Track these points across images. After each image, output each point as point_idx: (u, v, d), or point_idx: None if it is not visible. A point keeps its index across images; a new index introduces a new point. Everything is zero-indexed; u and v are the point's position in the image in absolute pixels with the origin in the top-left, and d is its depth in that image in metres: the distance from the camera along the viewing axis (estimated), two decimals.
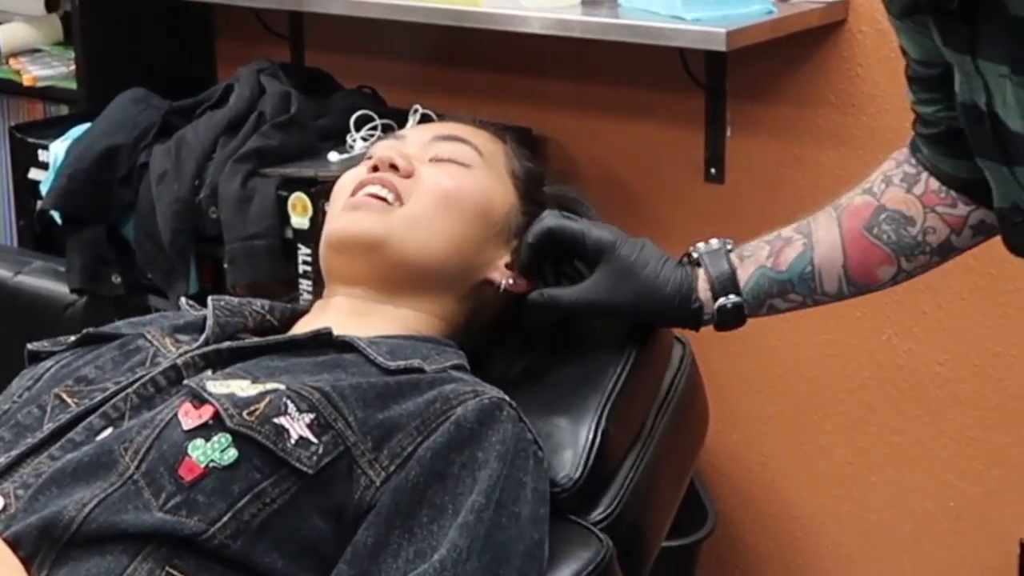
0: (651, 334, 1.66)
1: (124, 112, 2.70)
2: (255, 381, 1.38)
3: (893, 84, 2.37)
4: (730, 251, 1.59)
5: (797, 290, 1.58)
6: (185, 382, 1.41)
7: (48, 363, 1.53)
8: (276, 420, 1.33)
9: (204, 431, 1.32)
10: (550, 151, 2.75)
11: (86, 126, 2.70)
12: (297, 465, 1.32)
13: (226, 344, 1.48)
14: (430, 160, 1.62)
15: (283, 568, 1.30)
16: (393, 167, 1.58)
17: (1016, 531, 2.45)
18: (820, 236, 1.57)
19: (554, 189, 1.70)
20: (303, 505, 1.31)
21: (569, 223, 1.59)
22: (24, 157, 2.84)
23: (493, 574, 1.32)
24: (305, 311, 1.62)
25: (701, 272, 1.57)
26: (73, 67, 3.04)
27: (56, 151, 2.71)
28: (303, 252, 2.44)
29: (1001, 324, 2.42)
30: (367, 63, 2.95)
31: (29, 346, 1.60)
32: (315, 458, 1.32)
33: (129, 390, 1.42)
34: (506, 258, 1.61)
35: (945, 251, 1.54)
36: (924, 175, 1.52)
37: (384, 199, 1.56)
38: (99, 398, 1.42)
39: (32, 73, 3.11)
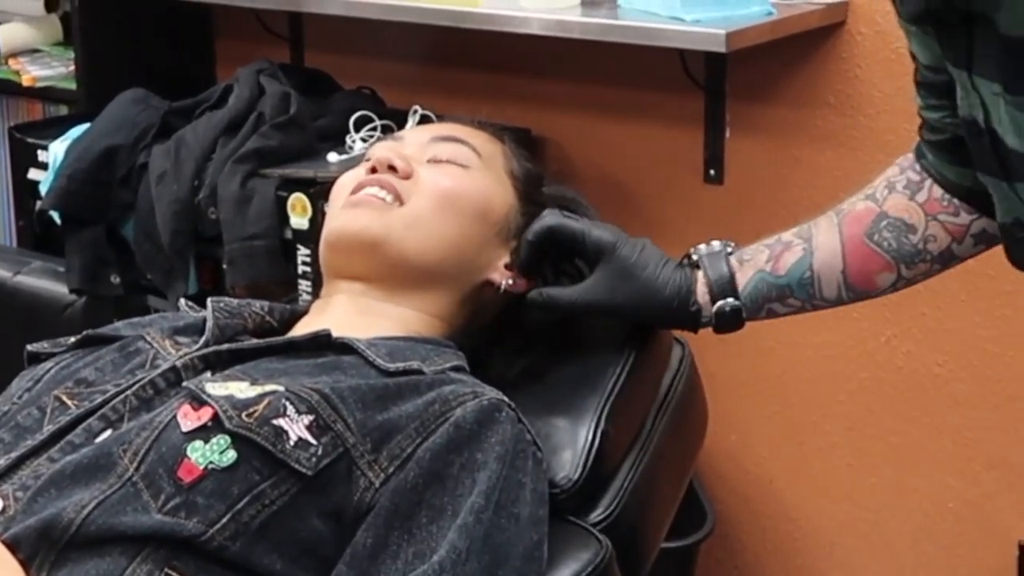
0: (650, 335, 1.66)
1: (123, 112, 2.70)
2: (254, 383, 1.38)
3: (892, 86, 2.37)
4: (730, 254, 1.58)
5: (796, 295, 1.57)
6: (184, 384, 1.41)
7: (48, 364, 1.53)
8: (275, 422, 1.33)
9: (203, 433, 1.32)
10: (549, 152, 2.75)
11: (85, 126, 2.70)
12: (296, 466, 1.32)
13: (225, 346, 1.48)
14: (428, 161, 1.62)
15: (282, 569, 1.30)
16: (392, 168, 1.59)
17: (1015, 532, 2.45)
18: (820, 242, 1.56)
19: (553, 190, 1.71)
20: (302, 506, 1.31)
21: (570, 222, 1.59)
22: (23, 157, 2.84)
23: (492, 575, 1.32)
24: (305, 312, 1.62)
25: (700, 275, 1.57)
26: (72, 67, 3.04)
27: (55, 151, 2.72)
28: (302, 253, 2.44)
29: (1000, 326, 2.42)
30: (366, 64, 2.95)
31: (29, 347, 1.60)
32: (314, 459, 1.32)
33: (128, 392, 1.42)
34: (505, 259, 1.61)
35: (946, 259, 1.54)
36: (928, 182, 1.51)
37: (383, 200, 1.57)
38: (99, 400, 1.42)
39: (32, 73, 3.11)
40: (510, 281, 1.60)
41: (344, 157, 2.53)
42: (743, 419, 2.61)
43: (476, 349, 1.59)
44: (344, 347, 1.47)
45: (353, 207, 1.57)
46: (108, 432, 1.38)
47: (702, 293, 1.57)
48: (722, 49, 2.26)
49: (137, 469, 1.31)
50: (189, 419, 1.34)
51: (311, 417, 1.34)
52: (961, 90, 1.31)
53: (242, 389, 1.37)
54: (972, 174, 1.42)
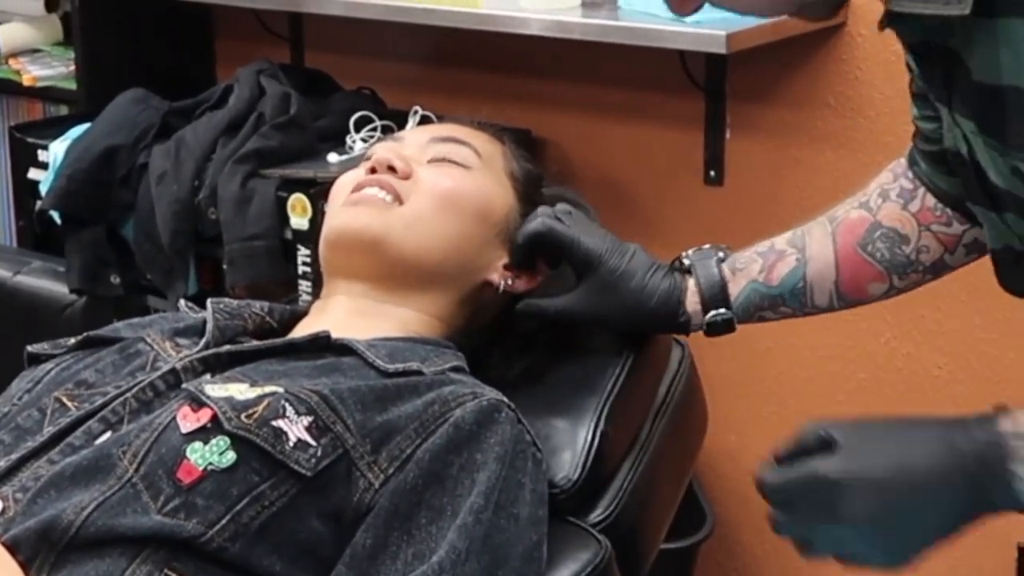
0: (649, 337, 1.66)
1: (124, 112, 2.70)
2: (253, 384, 1.38)
3: (892, 87, 2.37)
4: (722, 260, 1.58)
5: (788, 304, 1.58)
6: (183, 386, 1.41)
7: (48, 366, 1.53)
8: (274, 423, 1.33)
9: (202, 434, 1.32)
10: (549, 153, 2.75)
11: (86, 126, 2.70)
12: (295, 467, 1.32)
13: (225, 348, 1.49)
14: (428, 161, 1.62)
15: (282, 570, 1.30)
16: (391, 169, 1.59)
17: (1014, 535, 2.45)
18: (814, 252, 1.56)
19: (553, 190, 1.71)
20: (302, 507, 1.31)
21: (559, 229, 1.58)
22: (24, 157, 2.84)
23: (491, 575, 1.32)
24: (304, 312, 1.62)
25: (691, 282, 1.57)
26: (73, 67, 3.04)
27: (56, 151, 2.72)
28: (302, 253, 2.44)
29: (1000, 328, 2.42)
30: (367, 64, 2.95)
31: (29, 348, 1.60)
32: (313, 460, 1.32)
33: (128, 394, 1.42)
34: (505, 259, 1.61)
35: (938, 269, 1.54)
36: (921, 190, 1.51)
37: (383, 200, 1.57)
38: (99, 402, 1.42)
39: (32, 73, 3.11)
40: (509, 281, 1.60)
41: (344, 158, 2.53)
42: (742, 420, 2.61)
43: (476, 350, 1.59)
44: (344, 348, 1.47)
45: (353, 205, 1.57)
46: (108, 434, 1.38)
47: (693, 302, 1.57)
48: (722, 50, 2.26)
49: (137, 470, 1.31)
50: (188, 420, 1.34)
51: (310, 418, 1.34)
52: (945, 122, 1.30)
53: (242, 391, 1.37)
54: None
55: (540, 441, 1.47)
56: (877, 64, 2.40)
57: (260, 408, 1.34)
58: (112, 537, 1.28)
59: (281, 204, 2.46)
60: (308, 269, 2.43)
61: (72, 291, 2.50)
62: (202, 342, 1.50)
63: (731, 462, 2.70)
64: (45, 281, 2.47)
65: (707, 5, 1.25)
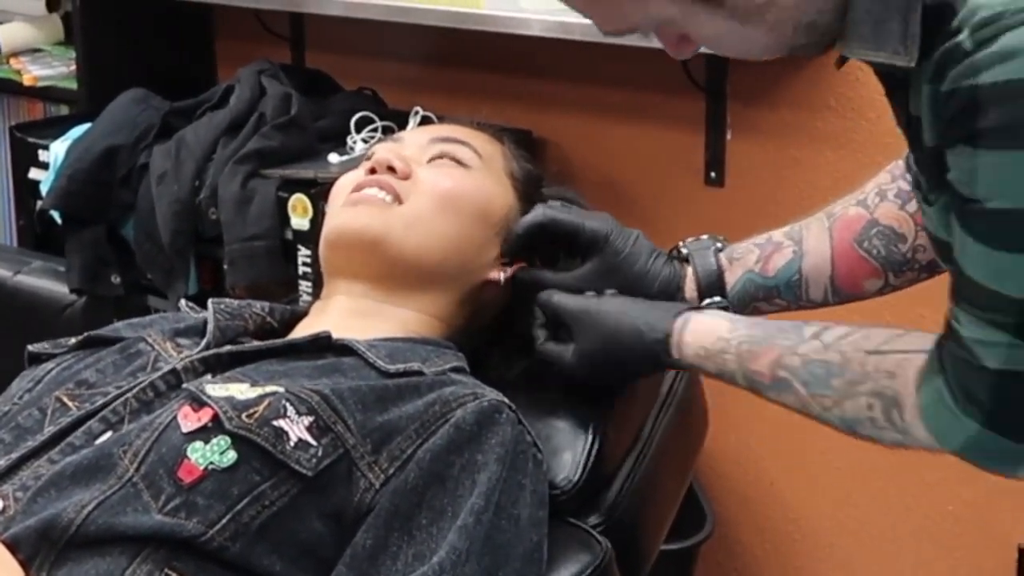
0: None
1: (124, 112, 2.70)
2: (254, 384, 1.39)
3: None
4: (720, 250, 1.60)
5: (783, 296, 1.58)
6: (184, 386, 1.41)
7: (49, 365, 1.53)
8: (275, 422, 1.33)
9: (203, 433, 1.32)
10: (550, 153, 2.75)
11: (86, 126, 2.70)
12: (296, 467, 1.32)
13: (226, 348, 1.49)
14: (428, 161, 1.62)
15: (282, 570, 1.30)
16: (391, 169, 1.59)
17: (1014, 536, 2.45)
18: (810, 245, 1.57)
19: (553, 190, 1.71)
20: (302, 507, 1.31)
21: (563, 216, 1.59)
22: (24, 157, 2.84)
23: None
24: (305, 313, 1.62)
25: (689, 270, 1.59)
26: (73, 67, 3.04)
27: (56, 151, 2.72)
28: (303, 253, 2.44)
29: None
30: (367, 64, 2.95)
31: (29, 348, 1.60)
32: (314, 460, 1.32)
33: (129, 394, 1.42)
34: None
35: (933, 268, 1.54)
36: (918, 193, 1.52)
37: (382, 200, 1.57)
38: (100, 402, 1.42)
39: (33, 73, 3.11)
40: (500, 274, 1.60)
41: (345, 158, 2.53)
42: (742, 421, 2.61)
43: (476, 350, 1.59)
44: (344, 349, 1.47)
45: (353, 206, 1.57)
46: (108, 434, 1.38)
47: (690, 289, 1.58)
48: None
49: (137, 470, 1.31)
50: (189, 420, 1.34)
51: (311, 418, 1.34)
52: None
53: (242, 390, 1.37)
54: None
55: (541, 442, 1.47)
56: None
57: (261, 408, 1.34)
58: (112, 536, 1.28)
59: (282, 204, 2.46)
60: (308, 269, 2.43)
61: (72, 291, 2.50)
62: (203, 342, 1.50)
63: (731, 463, 2.70)
64: (45, 281, 2.47)
65: None
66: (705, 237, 1.61)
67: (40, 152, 2.79)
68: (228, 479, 1.30)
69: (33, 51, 3.20)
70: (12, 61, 3.17)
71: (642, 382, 1.66)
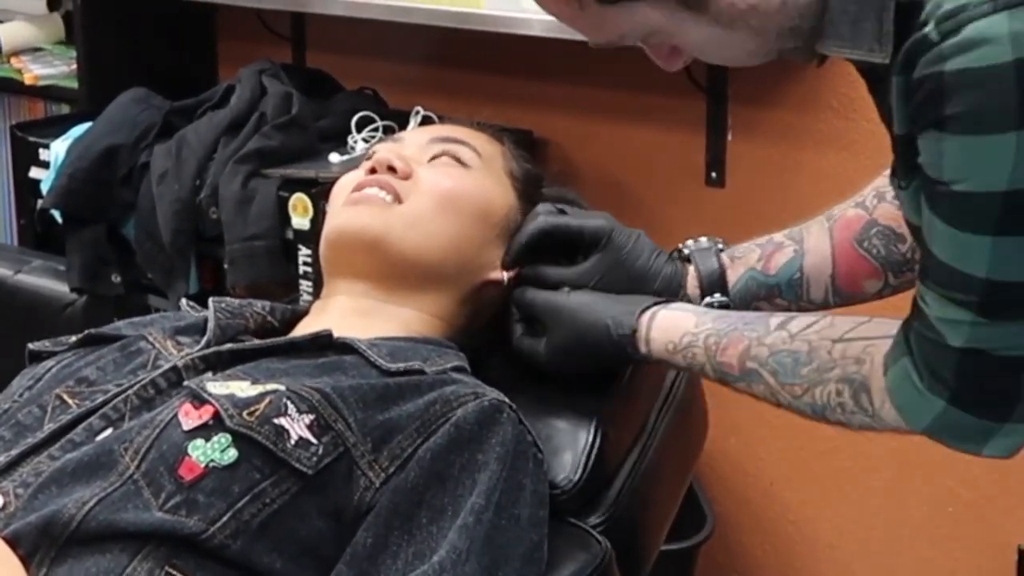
0: None
1: (125, 112, 2.70)
2: (255, 382, 1.39)
3: None
4: (721, 251, 1.61)
5: (784, 295, 1.59)
6: (185, 383, 1.41)
7: (49, 363, 1.54)
8: (276, 421, 1.33)
9: (204, 431, 1.32)
10: (551, 154, 2.75)
11: (87, 125, 2.70)
12: (297, 465, 1.32)
13: (227, 346, 1.49)
14: (428, 161, 1.63)
15: (282, 568, 1.30)
16: (391, 169, 1.59)
17: (1014, 537, 2.45)
18: (811, 245, 1.58)
19: (553, 191, 1.71)
20: (302, 506, 1.31)
21: (563, 220, 1.60)
22: (25, 156, 2.84)
23: None
24: (305, 312, 1.62)
25: (691, 268, 1.59)
26: (74, 66, 3.04)
27: (57, 150, 2.72)
28: (303, 253, 2.44)
29: None
30: (368, 64, 2.95)
31: (30, 346, 1.60)
32: (315, 459, 1.32)
33: (130, 392, 1.42)
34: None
35: None
36: None
37: (383, 200, 1.57)
38: (100, 399, 1.42)
39: (33, 72, 3.11)
40: (504, 274, 1.60)
41: (346, 158, 2.53)
42: (742, 422, 2.61)
43: (477, 350, 1.59)
44: (345, 347, 1.47)
45: (353, 205, 1.58)
46: (109, 431, 1.38)
47: (692, 286, 1.59)
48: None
49: (138, 467, 1.31)
50: (190, 418, 1.34)
51: (312, 416, 1.34)
52: None
53: (243, 388, 1.37)
54: None
55: (541, 442, 1.47)
56: None
57: (262, 406, 1.34)
58: (113, 533, 1.28)
59: (282, 204, 2.46)
60: (309, 269, 2.43)
61: (73, 290, 2.50)
62: (203, 340, 1.50)
63: (732, 464, 2.70)
64: (46, 280, 2.47)
65: None
66: (704, 239, 1.62)
67: (41, 151, 2.79)
68: (229, 477, 1.30)
69: (34, 50, 3.20)
70: (13, 60, 3.17)
71: (642, 382, 1.66)
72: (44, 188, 2.71)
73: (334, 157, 2.54)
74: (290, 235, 2.46)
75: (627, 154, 2.71)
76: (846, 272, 1.57)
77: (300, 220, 2.44)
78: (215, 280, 2.57)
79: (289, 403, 1.34)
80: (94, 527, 1.28)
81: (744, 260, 1.60)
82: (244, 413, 1.33)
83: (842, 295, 1.58)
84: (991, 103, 1.13)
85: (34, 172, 2.81)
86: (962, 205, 1.17)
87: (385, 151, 1.62)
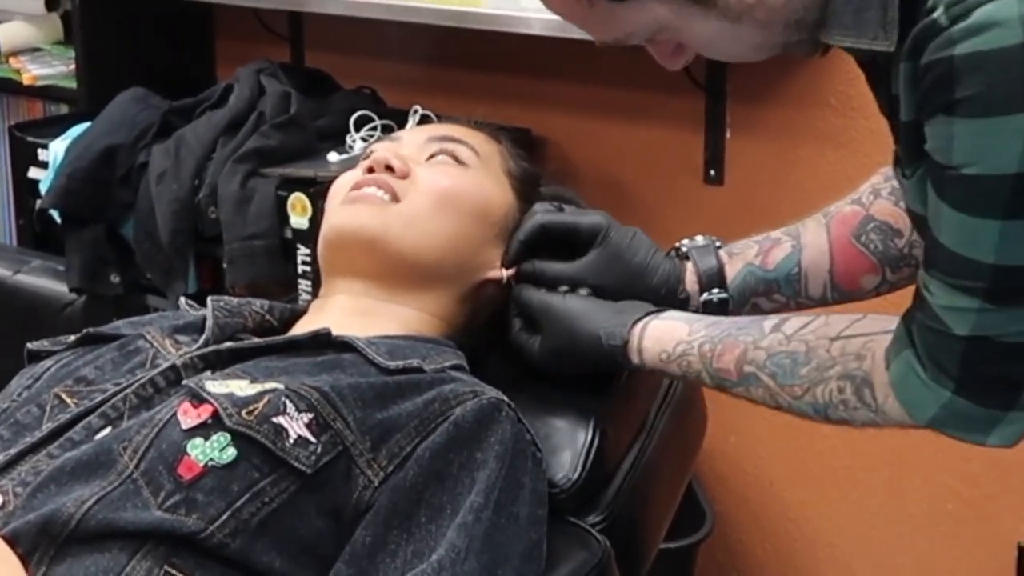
0: None
1: (124, 112, 2.70)
2: (254, 381, 1.39)
3: None
4: (718, 248, 1.61)
5: (782, 291, 1.59)
6: (184, 382, 1.41)
7: (48, 362, 1.53)
8: (275, 419, 1.33)
9: (203, 430, 1.32)
10: (550, 152, 2.75)
11: (86, 125, 2.70)
12: (296, 464, 1.32)
13: (225, 345, 1.49)
14: (426, 160, 1.63)
15: (281, 567, 1.30)
16: (389, 168, 1.59)
17: (1014, 534, 2.45)
18: (809, 240, 1.58)
19: (550, 189, 1.71)
20: (301, 504, 1.31)
21: (560, 216, 1.61)
22: (24, 156, 2.84)
23: (491, 574, 1.32)
24: (304, 311, 1.62)
25: (689, 265, 1.60)
26: (73, 66, 3.04)
27: (56, 150, 2.72)
28: (302, 252, 2.44)
29: None
30: (367, 63, 2.95)
31: (29, 345, 1.60)
32: (314, 457, 1.32)
33: (128, 391, 1.42)
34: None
35: None
36: None
37: (380, 199, 1.57)
38: (99, 399, 1.42)
39: (32, 72, 3.11)
40: (504, 272, 1.60)
41: (344, 157, 2.53)
42: (742, 420, 2.61)
43: (476, 349, 1.59)
44: (344, 345, 1.47)
45: (351, 204, 1.58)
46: (108, 429, 1.38)
47: (691, 282, 1.59)
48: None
49: (137, 466, 1.31)
50: (189, 416, 1.34)
51: (311, 415, 1.34)
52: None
53: (242, 387, 1.37)
54: None
55: (540, 440, 1.47)
56: None
57: (261, 405, 1.34)
58: (112, 532, 1.28)
59: (281, 203, 2.46)
60: (308, 268, 2.43)
61: (72, 290, 2.49)
62: (202, 339, 1.50)
63: (731, 462, 2.70)
64: (45, 280, 2.47)
65: None
66: (700, 237, 1.62)
67: (39, 151, 2.79)
68: (228, 476, 1.30)
69: (32, 50, 3.21)
70: (11, 60, 3.17)
71: (641, 381, 1.66)
72: (43, 188, 2.71)
73: (332, 156, 2.54)
74: (289, 234, 2.46)
75: (626, 152, 2.71)
76: (844, 268, 1.57)
77: (299, 219, 2.44)
78: (214, 280, 2.58)
79: (288, 402, 1.34)
80: (93, 526, 1.28)
81: (742, 256, 1.60)
82: (243, 412, 1.33)
83: (840, 291, 1.58)
84: (1001, 85, 1.13)
85: (33, 172, 2.81)
86: (971, 189, 1.17)
87: (383, 150, 1.62)
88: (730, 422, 2.59)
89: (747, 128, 2.57)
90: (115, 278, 2.63)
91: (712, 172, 2.60)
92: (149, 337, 1.52)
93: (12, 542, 1.28)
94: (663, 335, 1.50)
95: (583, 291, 1.57)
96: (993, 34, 1.12)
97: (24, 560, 1.27)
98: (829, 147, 2.49)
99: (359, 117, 2.59)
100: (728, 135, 2.59)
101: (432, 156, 1.63)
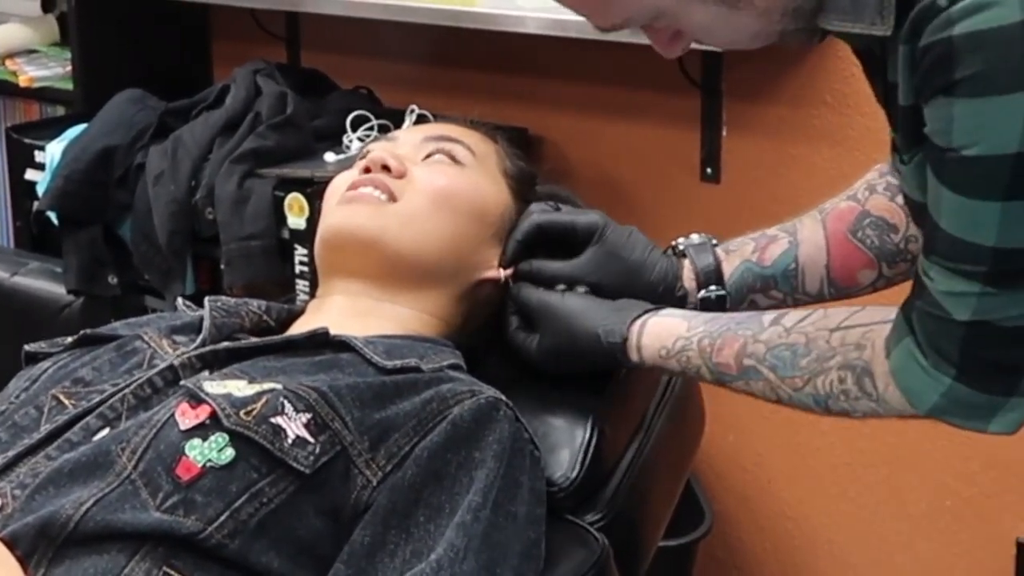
0: None
1: (120, 113, 2.70)
2: (252, 381, 1.39)
3: None
4: (715, 245, 1.61)
5: (779, 287, 1.59)
6: (182, 383, 1.41)
7: (45, 364, 1.53)
8: (273, 420, 1.33)
9: (201, 431, 1.32)
10: (546, 151, 2.75)
11: (82, 127, 2.70)
12: (294, 465, 1.32)
13: (223, 345, 1.49)
14: (422, 160, 1.63)
15: (280, 567, 1.30)
16: (385, 168, 1.59)
17: (1012, 531, 2.45)
18: (805, 236, 1.58)
19: (546, 188, 1.71)
20: (300, 504, 1.31)
21: (557, 216, 1.61)
22: (20, 158, 2.84)
23: (490, 573, 1.32)
24: (302, 311, 1.62)
25: (686, 263, 1.60)
26: (69, 68, 3.04)
27: (52, 152, 2.71)
28: (299, 253, 2.44)
29: None
30: (363, 63, 2.95)
31: (26, 347, 1.60)
32: (312, 458, 1.32)
33: (126, 391, 1.42)
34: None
35: None
36: None
37: (377, 198, 1.57)
38: (96, 400, 1.42)
39: (28, 74, 3.11)
40: (502, 272, 1.60)
41: (341, 157, 2.53)
42: (741, 418, 2.61)
43: (474, 348, 1.59)
44: (342, 345, 1.47)
45: (348, 204, 1.58)
46: (106, 431, 1.38)
47: (688, 279, 1.59)
48: (719, 48, 2.26)
49: (135, 467, 1.31)
50: (187, 417, 1.34)
51: (309, 415, 1.34)
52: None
53: (240, 387, 1.37)
54: None
55: (538, 439, 1.47)
56: None
57: (259, 405, 1.34)
58: (111, 533, 1.27)
59: (278, 204, 2.46)
60: (305, 268, 2.43)
61: (69, 292, 2.50)
62: (199, 339, 1.50)
63: (730, 460, 2.70)
64: (42, 282, 2.47)
65: None
66: (696, 236, 1.62)
67: (36, 153, 2.79)
68: (226, 476, 1.30)
69: (28, 52, 3.20)
70: (8, 62, 3.17)
71: (639, 379, 1.66)
72: (40, 190, 2.71)
73: (329, 156, 2.54)
74: (286, 235, 2.46)
75: (622, 150, 2.71)
76: (841, 263, 1.57)
77: (296, 220, 2.44)
78: (211, 280, 2.58)
79: (286, 402, 1.34)
80: (92, 528, 1.28)
81: (739, 252, 1.60)
82: (241, 412, 1.33)
83: (837, 287, 1.58)
84: (1001, 65, 1.12)
85: (30, 174, 2.81)
86: (971, 171, 1.17)
87: (379, 150, 1.62)
88: (729, 420, 2.59)
89: (743, 126, 2.57)
90: (112, 279, 2.63)
91: (708, 170, 2.60)
92: (146, 338, 1.52)
93: (11, 544, 1.28)
94: (662, 331, 1.50)
95: (581, 289, 1.57)
96: (992, 13, 1.12)
97: (23, 562, 1.27)
98: (825, 145, 2.50)
99: (355, 117, 2.59)
100: (724, 133, 2.59)
101: (428, 156, 1.63)
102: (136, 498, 1.29)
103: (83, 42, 2.98)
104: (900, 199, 1.53)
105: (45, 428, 1.40)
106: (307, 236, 2.40)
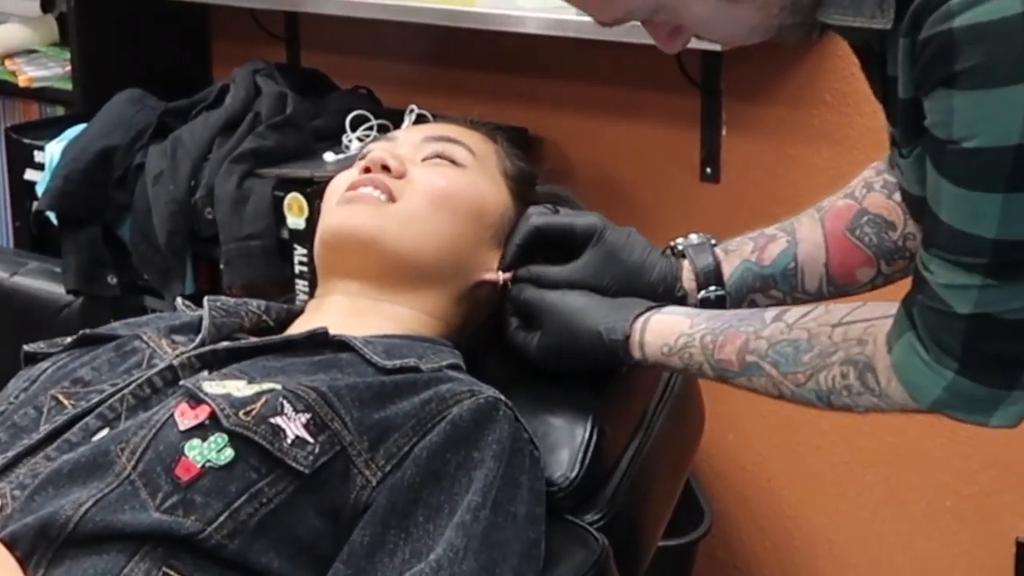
0: None
1: (120, 113, 2.70)
2: (251, 381, 1.38)
3: None
4: (714, 245, 1.61)
5: (779, 286, 1.59)
6: (181, 383, 1.40)
7: (44, 364, 1.53)
8: (272, 420, 1.33)
9: (200, 431, 1.32)
10: (546, 151, 2.75)
11: (82, 127, 2.70)
12: (293, 465, 1.32)
13: (222, 345, 1.48)
14: (422, 161, 1.62)
15: (280, 568, 1.30)
16: (385, 168, 1.59)
17: (1012, 530, 2.45)
18: (803, 234, 1.58)
19: (546, 188, 1.71)
20: (299, 505, 1.31)
21: (555, 218, 1.61)
22: (20, 158, 2.84)
23: (489, 573, 1.32)
24: (301, 311, 1.62)
25: (686, 263, 1.60)
26: (69, 68, 3.04)
27: (52, 152, 2.71)
28: (299, 253, 2.44)
29: None
30: (363, 63, 2.95)
31: (25, 347, 1.60)
32: (311, 458, 1.32)
33: (126, 391, 1.42)
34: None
35: None
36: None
37: (377, 199, 1.57)
38: (96, 400, 1.42)
39: (28, 74, 3.11)
40: (501, 274, 1.60)
41: (340, 157, 2.53)
42: (740, 418, 2.61)
43: (473, 349, 1.59)
44: (341, 345, 1.47)
45: (347, 204, 1.58)
46: (105, 431, 1.38)
47: (688, 280, 1.59)
48: (718, 48, 2.26)
49: (135, 467, 1.31)
50: (186, 417, 1.34)
51: (308, 415, 1.34)
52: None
53: (239, 387, 1.37)
54: None
55: (538, 439, 1.47)
56: None
57: (258, 405, 1.34)
58: (110, 534, 1.27)
59: (277, 204, 2.46)
60: (304, 268, 2.43)
61: (69, 292, 2.50)
62: (198, 339, 1.50)
63: (730, 460, 2.70)
64: (42, 282, 2.47)
65: None
66: (695, 236, 1.62)
67: (36, 153, 2.79)
68: (225, 477, 1.30)
69: (28, 52, 3.20)
70: (7, 62, 3.17)
71: (639, 379, 1.66)
72: (39, 190, 2.71)
73: (329, 156, 2.54)
74: (285, 235, 2.46)
75: (622, 150, 2.71)
76: (840, 261, 1.57)
77: (295, 220, 2.44)
78: (211, 281, 2.58)
79: (285, 402, 1.34)
80: (91, 528, 1.28)
81: (738, 252, 1.60)
82: (240, 413, 1.33)
83: (836, 285, 1.58)
84: (1001, 56, 1.12)
85: (29, 174, 2.81)
86: (972, 163, 1.17)
87: (379, 150, 1.62)
88: (729, 420, 2.59)
89: (743, 126, 2.57)
90: (112, 279, 2.63)
91: (708, 170, 2.61)
92: (145, 337, 1.52)
93: (10, 545, 1.28)
94: (665, 328, 1.50)
95: (581, 288, 1.57)
96: (993, 5, 1.12)
97: (22, 563, 1.27)
98: (824, 144, 2.50)
99: (355, 117, 2.59)
100: (724, 133, 2.59)
101: (428, 156, 1.63)
102: (135, 498, 1.29)
103: (83, 42, 2.98)
104: (898, 196, 1.53)
105: (44, 428, 1.40)
106: (306, 236, 2.40)
